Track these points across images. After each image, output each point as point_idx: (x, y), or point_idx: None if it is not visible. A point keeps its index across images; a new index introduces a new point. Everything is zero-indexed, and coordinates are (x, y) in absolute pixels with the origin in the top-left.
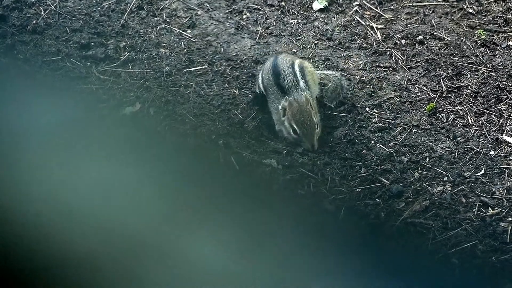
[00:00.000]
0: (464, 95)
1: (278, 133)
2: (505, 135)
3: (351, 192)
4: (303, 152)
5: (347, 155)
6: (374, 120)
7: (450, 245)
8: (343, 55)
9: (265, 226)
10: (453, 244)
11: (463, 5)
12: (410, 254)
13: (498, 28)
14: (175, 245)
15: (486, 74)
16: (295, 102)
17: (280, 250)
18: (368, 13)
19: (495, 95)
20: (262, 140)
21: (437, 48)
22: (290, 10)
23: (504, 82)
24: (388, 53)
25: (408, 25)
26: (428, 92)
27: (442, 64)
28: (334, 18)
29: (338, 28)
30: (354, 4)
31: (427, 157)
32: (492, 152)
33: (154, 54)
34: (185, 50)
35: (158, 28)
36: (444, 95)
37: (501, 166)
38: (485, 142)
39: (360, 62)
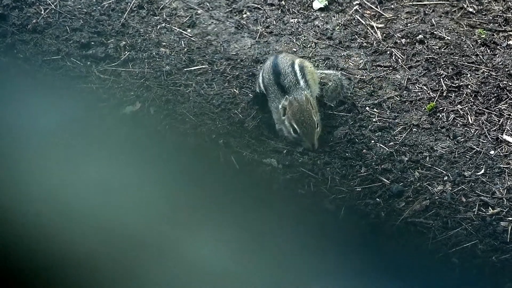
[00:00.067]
0: (464, 95)
1: (279, 132)
2: (505, 134)
3: (351, 192)
4: (303, 151)
5: (347, 154)
6: (374, 120)
7: (450, 244)
8: (343, 54)
9: (265, 225)
10: (453, 243)
11: (463, 4)
12: (410, 253)
13: (498, 27)
14: (175, 245)
15: (486, 73)
16: (295, 101)
17: (280, 250)
18: (368, 12)
19: (495, 95)
20: (262, 140)
21: (437, 47)
22: (290, 9)
23: (504, 82)
24: (388, 52)
25: (408, 24)
26: (428, 92)
27: (442, 63)
28: (334, 17)
29: (338, 27)
30: (354, 3)
31: (427, 157)
32: (492, 152)
33: (154, 53)
34: (185, 49)
35: (158, 27)
36: (444, 95)
37: (501, 166)
38: (485, 141)
39: (360, 61)
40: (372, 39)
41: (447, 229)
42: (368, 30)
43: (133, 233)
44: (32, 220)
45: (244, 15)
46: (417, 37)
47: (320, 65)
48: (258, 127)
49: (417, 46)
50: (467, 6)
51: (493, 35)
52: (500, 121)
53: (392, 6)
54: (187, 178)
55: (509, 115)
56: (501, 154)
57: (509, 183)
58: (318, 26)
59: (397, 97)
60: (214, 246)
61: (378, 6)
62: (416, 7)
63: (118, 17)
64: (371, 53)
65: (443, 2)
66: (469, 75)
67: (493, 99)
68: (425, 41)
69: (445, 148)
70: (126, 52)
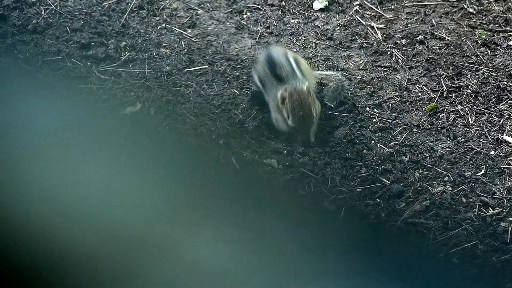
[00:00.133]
0: (464, 95)
1: (274, 121)
2: (506, 135)
3: (352, 192)
4: (303, 152)
5: (347, 155)
6: (374, 120)
7: (450, 245)
8: (344, 55)
9: (266, 226)
10: (453, 244)
11: (464, 5)
12: (411, 254)
13: (499, 28)
14: (175, 245)
15: (486, 74)
16: (295, 92)
17: (280, 250)
18: (368, 12)
19: (495, 95)
20: (263, 140)
21: (437, 47)
22: (291, 9)
23: (505, 82)
24: (388, 52)
25: (409, 25)
26: (429, 92)
27: (443, 63)
28: (334, 17)
29: (338, 27)
30: (354, 3)
31: (428, 157)
32: (492, 152)
33: (154, 54)
34: (186, 50)
35: (158, 28)
36: (444, 95)
37: (501, 166)
38: (485, 142)
39: (361, 62)
40: (373, 39)
41: (447, 230)
42: (368, 31)
43: (133, 233)
44: (32, 220)
45: (245, 16)
46: (418, 38)
47: (321, 65)
48: (259, 128)
49: (417, 46)
50: (468, 7)
51: (493, 35)
52: (501, 122)
53: (393, 7)
54: (187, 178)
55: (510, 115)
56: (502, 154)
57: (509, 184)
58: (319, 27)
59: (398, 97)
60: (214, 246)
61: (379, 7)
62: (417, 8)
63: (119, 17)
64: (372, 53)
65: (444, 2)
66: (469, 75)
67: (493, 100)
68: (426, 42)
69: (445, 148)
70: (126, 52)
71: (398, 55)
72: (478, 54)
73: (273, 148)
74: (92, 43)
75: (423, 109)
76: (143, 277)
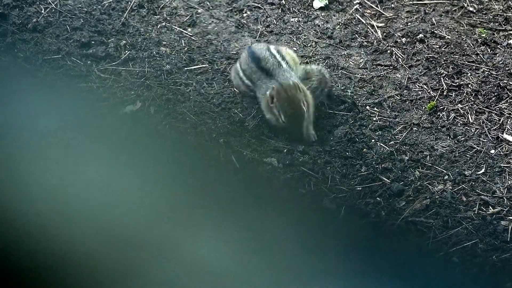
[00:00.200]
0: (464, 94)
1: (268, 121)
2: (506, 133)
3: (352, 191)
4: (303, 150)
5: (347, 153)
6: (374, 119)
7: (450, 244)
8: (344, 54)
9: (266, 225)
10: (453, 243)
11: (464, 4)
12: (411, 253)
13: (499, 27)
14: (175, 245)
15: (486, 72)
16: (282, 89)
17: (280, 250)
18: (368, 11)
19: (495, 94)
20: (263, 139)
21: (437, 46)
22: (291, 8)
23: (505, 81)
24: (388, 51)
25: (409, 24)
26: (429, 91)
27: (443, 62)
28: (334, 16)
29: (338, 26)
30: (354, 2)
31: (428, 156)
32: (492, 151)
33: (154, 52)
34: (186, 49)
35: (158, 27)
36: (444, 94)
37: (501, 165)
38: (485, 140)
39: (361, 61)
40: (373, 38)
41: (447, 228)
42: (368, 29)
43: (133, 232)
44: (32, 220)
45: (245, 14)
46: (418, 36)
47: (321, 64)
48: (259, 126)
49: (417, 45)
50: (468, 5)
51: (494, 34)
52: (501, 120)
53: (393, 5)
54: (187, 177)
55: (510, 114)
56: (502, 153)
57: (509, 182)
58: (319, 25)
59: (398, 96)
60: (214, 246)
61: (379, 5)
62: (417, 6)
63: (119, 16)
64: (372, 52)
65: (444, 1)
66: (469, 74)
67: (493, 98)
68: (426, 40)
69: (445, 147)
70: (126, 51)
71: (398, 54)
72: (478, 52)
73: (273, 147)
74: (92, 42)
75: (423, 107)
76: (143, 277)
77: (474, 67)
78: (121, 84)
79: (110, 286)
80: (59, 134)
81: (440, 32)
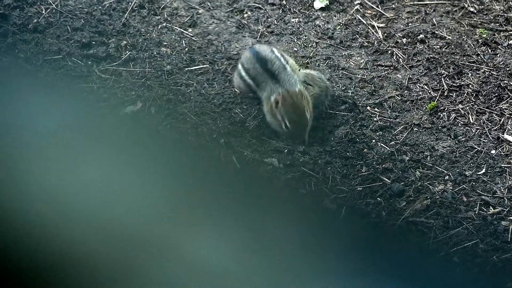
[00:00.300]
0: (465, 94)
1: (269, 123)
2: (506, 134)
3: (352, 191)
4: (304, 151)
5: (348, 154)
6: (375, 119)
7: (451, 244)
8: (344, 54)
9: (266, 225)
10: (454, 243)
11: (464, 4)
12: (411, 253)
13: (499, 27)
14: (175, 245)
15: (487, 73)
16: (288, 96)
17: (280, 250)
18: (369, 12)
19: (496, 94)
20: (263, 139)
21: (438, 47)
22: (291, 9)
23: (505, 81)
24: (389, 52)
25: (409, 24)
26: (429, 91)
27: (443, 63)
28: (335, 17)
29: (339, 27)
30: (355, 3)
31: (428, 156)
32: (493, 151)
33: (155, 53)
34: (186, 49)
35: (159, 27)
36: (445, 94)
37: (502, 165)
38: (486, 141)
39: (361, 61)
40: (373, 38)
41: (448, 229)
42: (369, 30)
43: (134, 233)
44: (32, 220)
45: (245, 15)
46: (418, 37)
47: (321, 64)
48: (259, 127)
49: (418, 45)
50: (468, 6)
51: (494, 34)
52: (501, 121)
53: (393, 6)
54: (187, 178)
55: (510, 114)
56: (502, 153)
57: (510, 183)
58: (319, 26)
59: (398, 96)
60: (214, 246)
61: (379, 6)
62: (417, 7)
63: (119, 16)
64: (372, 52)
65: (444, 1)
66: (470, 74)
67: (494, 99)
68: (426, 41)
69: (446, 147)
70: (127, 51)
71: (398, 54)
72: (479, 53)
73: (274, 147)
74: (93, 42)
75: (424, 108)
76: (143, 277)
77: (474, 68)
78: (121, 85)
79: (110, 286)
80: (60, 134)
81: (441, 32)
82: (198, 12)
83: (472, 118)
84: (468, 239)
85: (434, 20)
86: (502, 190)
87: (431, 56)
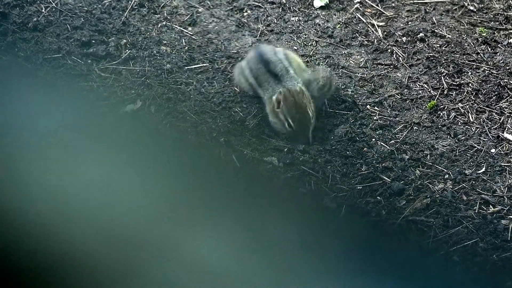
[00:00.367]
0: (465, 93)
1: (271, 124)
2: (506, 132)
3: (352, 190)
4: (304, 149)
5: (348, 152)
6: (375, 118)
7: (451, 243)
8: (344, 53)
9: (266, 224)
10: (454, 242)
11: (464, 3)
12: (411, 252)
13: (499, 26)
14: (175, 245)
15: (487, 71)
16: (289, 94)
17: (280, 249)
18: (369, 10)
19: (496, 93)
20: (263, 138)
21: (438, 45)
22: (291, 7)
23: (505, 80)
24: (389, 50)
25: (409, 23)
26: (429, 90)
27: (443, 61)
28: (335, 15)
29: (339, 25)
30: (355, 1)
31: (428, 155)
32: (493, 150)
33: (155, 51)
34: (186, 48)
35: (159, 26)
36: (445, 93)
37: (502, 164)
38: (486, 139)
39: (361, 60)
40: (373, 37)
41: (447, 227)
42: (369, 29)
43: (134, 232)
44: (32, 220)
45: (245, 13)
46: (418, 36)
47: (321, 63)
48: (259, 126)
49: (418, 44)
50: (468, 5)
51: (494, 33)
52: (501, 119)
53: (393, 5)
54: (187, 176)
55: (510, 113)
56: (502, 152)
57: (510, 181)
58: (319, 25)
59: (398, 95)
60: (214, 245)
61: (379, 5)
62: (417, 6)
63: (119, 15)
64: (372, 51)
65: (444, 0)
66: (470, 73)
67: (494, 97)
68: (426, 39)
69: (446, 146)
70: (127, 50)
71: (398, 53)
72: (479, 52)
73: (274, 146)
74: (93, 41)
75: (424, 107)
76: (143, 277)
77: (474, 66)
78: (121, 83)
79: (110, 286)
80: (59, 133)
81: (441, 31)
82: (198, 10)
83: (472, 117)
84: (468, 238)
85: (434, 18)
86: (502, 189)
87: (431, 54)
